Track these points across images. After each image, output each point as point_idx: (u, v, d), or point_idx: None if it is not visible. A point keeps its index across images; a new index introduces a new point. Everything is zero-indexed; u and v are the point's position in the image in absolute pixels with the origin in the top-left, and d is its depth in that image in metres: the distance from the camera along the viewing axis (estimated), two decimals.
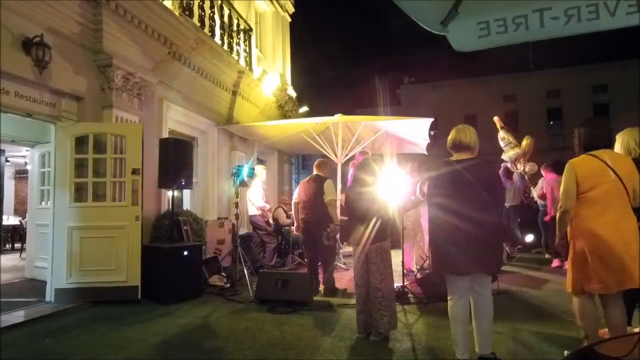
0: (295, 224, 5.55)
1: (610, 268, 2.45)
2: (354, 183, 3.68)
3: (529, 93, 23.64)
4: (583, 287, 2.56)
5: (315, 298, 4.59)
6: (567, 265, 2.71)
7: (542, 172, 6.92)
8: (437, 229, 2.78)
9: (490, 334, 2.72)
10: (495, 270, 2.76)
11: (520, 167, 7.17)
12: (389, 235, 3.50)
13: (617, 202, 2.49)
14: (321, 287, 4.97)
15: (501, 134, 7.13)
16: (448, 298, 2.77)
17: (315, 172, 5.20)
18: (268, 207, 7.07)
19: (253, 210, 6.67)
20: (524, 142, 7.00)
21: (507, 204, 7.61)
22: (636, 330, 2.92)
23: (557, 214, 2.68)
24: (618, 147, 2.90)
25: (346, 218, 3.94)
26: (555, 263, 6.60)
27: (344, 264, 6.64)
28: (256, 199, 6.65)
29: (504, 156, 7.37)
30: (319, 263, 5.17)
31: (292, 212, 8.21)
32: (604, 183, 2.50)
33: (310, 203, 5.00)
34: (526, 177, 7.37)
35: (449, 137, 2.85)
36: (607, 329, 2.72)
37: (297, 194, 5.33)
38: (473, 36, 2.56)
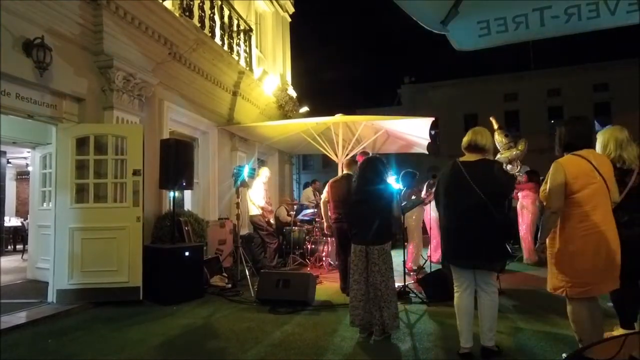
0: (325, 223, 5.55)
1: (598, 269, 2.42)
2: (359, 182, 3.66)
3: (529, 92, 23.56)
4: (574, 292, 2.48)
5: (317, 298, 4.59)
6: (549, 266, 2.62)
7: None
8: (445, 226, 2.95)
9: (494, 328, 2.81)
10: (496, 266, 2.83)
11: (512, 167, 7.19)
12: (392, 237, 3.50)
13: (603, 203, 2.47)
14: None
15: (496, 136, 7.16)
16: (454, 290, 2.90)
17: (345, 171, 5.18)
18: (270, 207, 7.07)
19: (254, 211, 6.67)
20: (520, 146, 7.02)
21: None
22: (614, 333, 2.87)
23: (545, 215, 2.61)
24: (598, 147, 2.86)
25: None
26: None
27: None
28: (257, 199, 6.65)
29: (499, 157, 7.40)
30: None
31: (293, 213, 8.27)
32: (591, 184, 2.46)
33: (343, 203, 4.84)
34: (520, 177, 7.39)
35: (465, 138, 2.94)
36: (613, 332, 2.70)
37: (326, 192, 5.30)
38: (473, 35, 2.57)
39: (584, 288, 2.46)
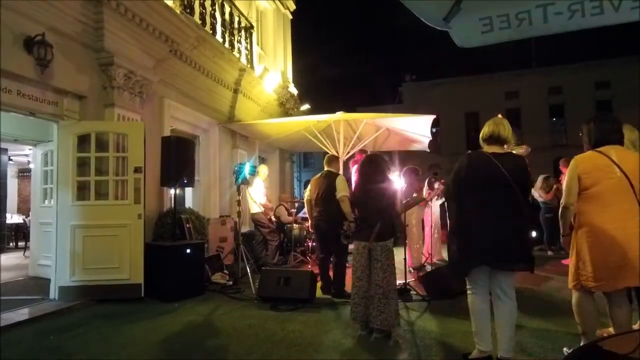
0: (309, 221, 5.47)
1: (608, 266, 2.41)
2: (361, 180, 3.65)
3: (531, 90, 23.50)
4: (587, 285, 2.53)
5: (318, 295, 4.59)
6: (570, 261, 2.67)
7: (562, 167, 6.87)
8: (463, 221, 2.65)
9: (513, 338, 2.62)
10: (521, 268, 2.57)
11: None
12: (394, 234, 3.50)
13: (621, 199, 2.43)
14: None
15: None
16: (467, 291, 2.70)
17: (326, 168, 5.05)
18: (270, 205, 7.07)
19: (255, 208, 6.67)
20: (523, 148, 6.97)
21: None
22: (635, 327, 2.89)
23: (560, 210, 2.65)
24: None
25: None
26: (567, 261, 6.57)
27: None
28: (258, 196, 6.65)
29: None
30: (331, 262, 5.06)
31: (294, 211, 8.28)
32: (607, 179, 2.44)
33: (322, 200, 4.82)
34: None
35: (486, 130, 2.71)
36: (609, 329, 2.70)
37: (309, 190, 5.21)
38: (476, 32, 2.56)
39: (597, 283, 2.47)
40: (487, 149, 2.69)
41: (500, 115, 2.98)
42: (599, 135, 2.59)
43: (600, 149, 2.54)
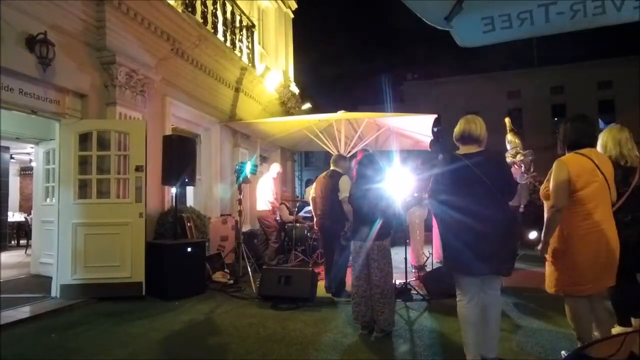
0: (314, 219, 5.49)
1: (598, 267, 2.42)
2: (358, 179, 3.66)
3: (532, 89, 23.47)
4: (572, 290, 2.50)
5: (319, 295, 4.59)
6: (548, 265, 2.61)
7: None
8: (446, 228, 2.61)
9: (498, 337, 2.60)
10: (507, 271, 2.51)
11: (516, 169, 7.14)
12: (391, 234, 3.50)
13: (604, 202, 2.46)
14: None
15: (509, 137, 7.11)
16: (457, 299, 2.61)
17: (332, 167, 5.02)
18: (277, 204, 7.04)
19: (262, 206, 6.64)
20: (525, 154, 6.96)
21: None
22: (613, 331, 2.86)
23: (549, 214, 2.53)
24: (598, 147, 2.82)
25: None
26: None
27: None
28: (267, 194, 6.63)
29: (508, 159, 7.34)
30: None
31: (295, 210, 8.26)
32: (593, 182, 2.45)
33: (325, 199, 4.84)
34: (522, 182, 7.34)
35: (457, 129, 2.62)
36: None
37: (314, 188, 5.21)
38: (477, 32, 2.55)
39: (583, 286, 2.46)
40: (463, 149, 2.60)
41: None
42: (576, 137, 2.57)
43: (583, 151, 2.52)
